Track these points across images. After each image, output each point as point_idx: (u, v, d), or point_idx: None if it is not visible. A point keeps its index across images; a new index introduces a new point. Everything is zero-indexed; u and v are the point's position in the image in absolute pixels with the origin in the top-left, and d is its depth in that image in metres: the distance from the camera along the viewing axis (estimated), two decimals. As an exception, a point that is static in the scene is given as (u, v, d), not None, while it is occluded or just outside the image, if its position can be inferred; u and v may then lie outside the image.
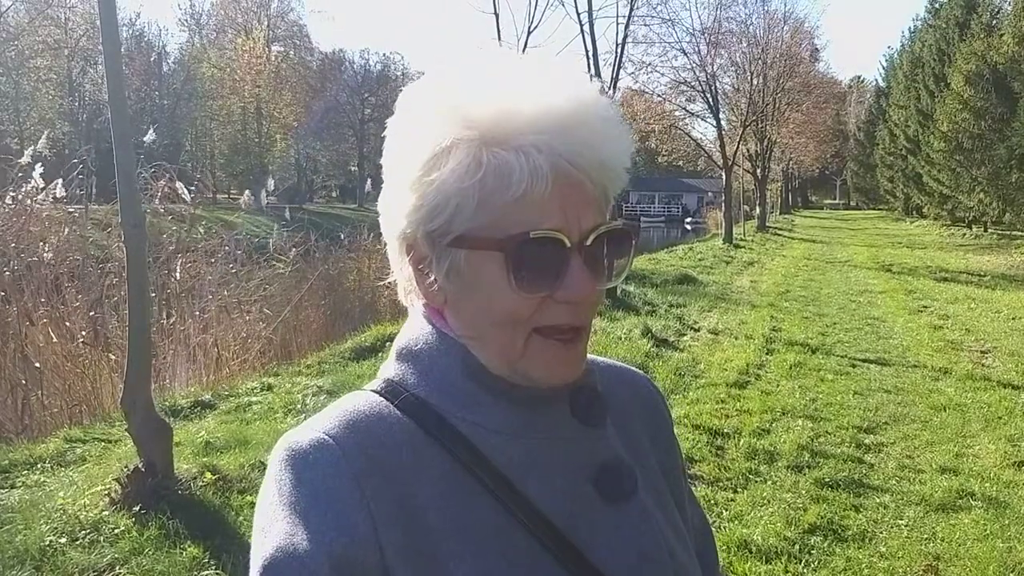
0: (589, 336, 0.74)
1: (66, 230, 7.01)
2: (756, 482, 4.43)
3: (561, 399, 0.75)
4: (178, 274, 7.30)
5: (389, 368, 0.77)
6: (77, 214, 7.35)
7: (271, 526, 0.66)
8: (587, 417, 0.76)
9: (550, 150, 0.66)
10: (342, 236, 10.94)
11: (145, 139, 8.19)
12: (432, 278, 0.73)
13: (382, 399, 0.73)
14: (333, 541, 0.64)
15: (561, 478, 0.73)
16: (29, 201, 6.75)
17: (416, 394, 0.73)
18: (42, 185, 6.80)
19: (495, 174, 0.66)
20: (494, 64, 0.72)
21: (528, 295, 0.68)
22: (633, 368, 0.93)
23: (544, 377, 0.71)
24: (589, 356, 0.86)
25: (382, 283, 0.80)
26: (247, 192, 13.51)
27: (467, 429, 0.71)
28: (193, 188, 8.15)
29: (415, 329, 0.77)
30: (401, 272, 0.77)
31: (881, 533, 3.85)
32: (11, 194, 6.71)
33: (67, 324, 6.03)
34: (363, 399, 0.74)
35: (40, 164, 7.06)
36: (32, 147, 7.25)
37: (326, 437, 0.69)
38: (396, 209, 0.72)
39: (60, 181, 7.22)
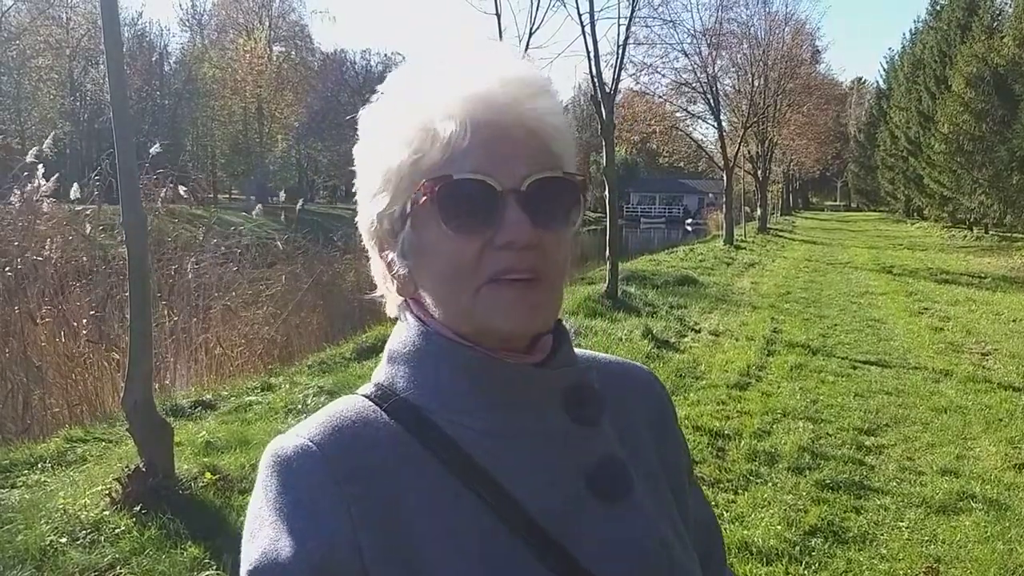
0: (557, 293, 0.74)
1: (71, 229, 7.02)
2: (757, 484, 4.43)
3: (555, 398, 0.75)
4: (190, 274, 7.33)
5: (380, 372, 0.78)
6: (81, 213, 7.36)
7: (258, 532, 0.68)
8: (581, 416, 0.76)
9: (469, 107, 0.70)
10: (335, 238, 10.96)
11: (151, 151, 8.26)
12: (396, 266, 0.75)
13: (371, 403, 0.74)
14: (314, 549, 0.65)
15: (553, 479, 0.73)
16: (37, 203, 6.75)
17: (405, 398, 0.74)
18: (49, 185, 6.80)
19: (421, 140, 0.70)
20: (432, 65, 0.75)
21: (464, 236, 0.70)
22: (635, 363, 0.92)
23: (500, 323, 0.70)
24: (590, 352, 0.86)
25: (368, 295, 0.86)
26: (257, 202, 13.62)
27: (456, 432, 0.71)
28: (186, 189, 8.20)
29: (403, 331, 0.77)
30: (382, 279, 0.79)
31: (882, 535, 3.84)
32: (16, 192, 6.70)
33: (70, 324, 6.03)
34: (351, 404, 0.74)
35: (41, 164, 7.06)
36: (37, 147, 7.26)
37: (309, 443, 0.70)
38: (363, 212, 0.76)
39: (76, 184, 7.28)
